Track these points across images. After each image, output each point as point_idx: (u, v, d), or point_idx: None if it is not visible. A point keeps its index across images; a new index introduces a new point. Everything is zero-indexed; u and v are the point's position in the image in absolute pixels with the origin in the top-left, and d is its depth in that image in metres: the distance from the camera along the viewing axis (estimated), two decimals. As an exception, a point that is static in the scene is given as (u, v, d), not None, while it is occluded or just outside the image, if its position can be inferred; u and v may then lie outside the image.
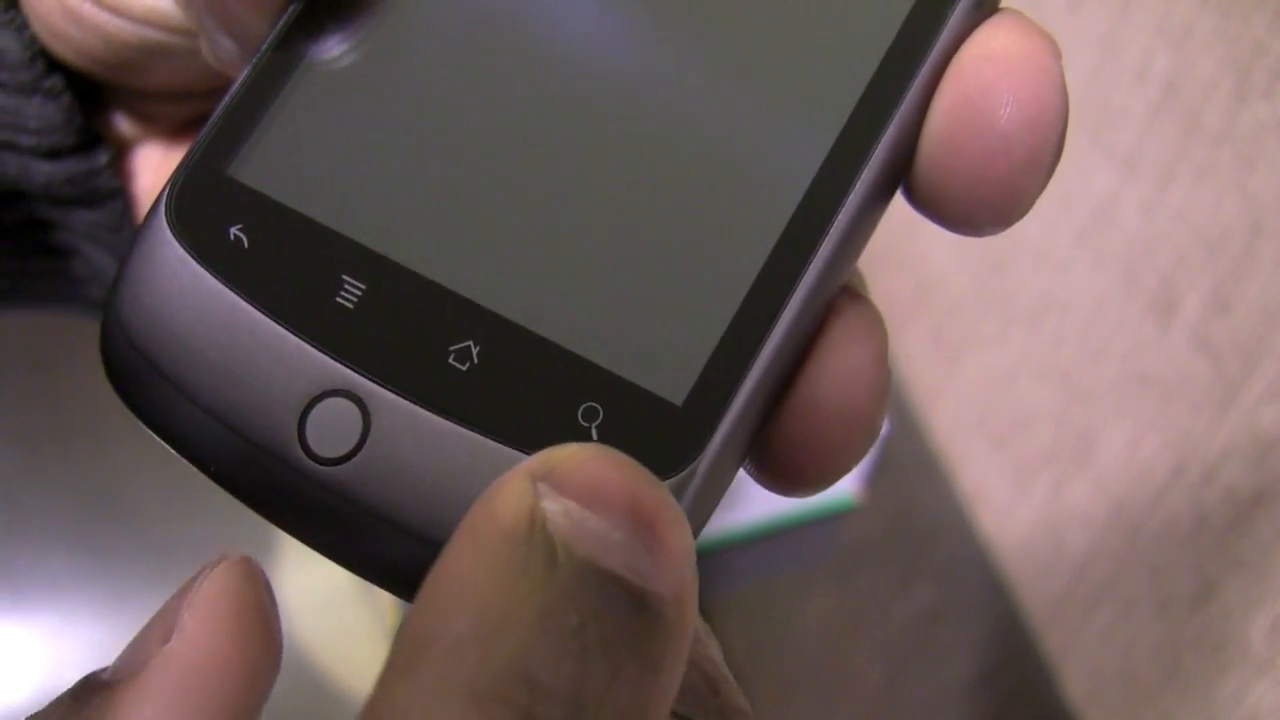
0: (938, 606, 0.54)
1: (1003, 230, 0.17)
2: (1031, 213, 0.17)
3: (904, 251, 0.55)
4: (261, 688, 0.15)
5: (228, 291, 0.17)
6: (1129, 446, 0.45)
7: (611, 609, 0.13)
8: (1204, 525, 0.42)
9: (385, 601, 0.52)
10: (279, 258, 0.18)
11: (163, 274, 0.18)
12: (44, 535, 0.55)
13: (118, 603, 0.54)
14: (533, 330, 0.17)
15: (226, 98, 0.19)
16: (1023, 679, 0.51)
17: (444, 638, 0.12)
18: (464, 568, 0.13)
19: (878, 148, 0.17)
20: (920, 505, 0.56)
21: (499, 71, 0.19)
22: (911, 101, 0.17)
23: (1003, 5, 0.18)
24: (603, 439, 0.16)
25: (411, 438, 0.16)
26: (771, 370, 0.16)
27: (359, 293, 0.17)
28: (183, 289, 0.18)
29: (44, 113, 0.23)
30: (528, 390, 0.17)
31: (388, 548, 0.16)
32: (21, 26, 0.23)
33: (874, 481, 0.55)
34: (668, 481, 0.16)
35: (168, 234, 0.18)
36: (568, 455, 0.13)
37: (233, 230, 0.18)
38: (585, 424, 0.16)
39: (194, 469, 0.18)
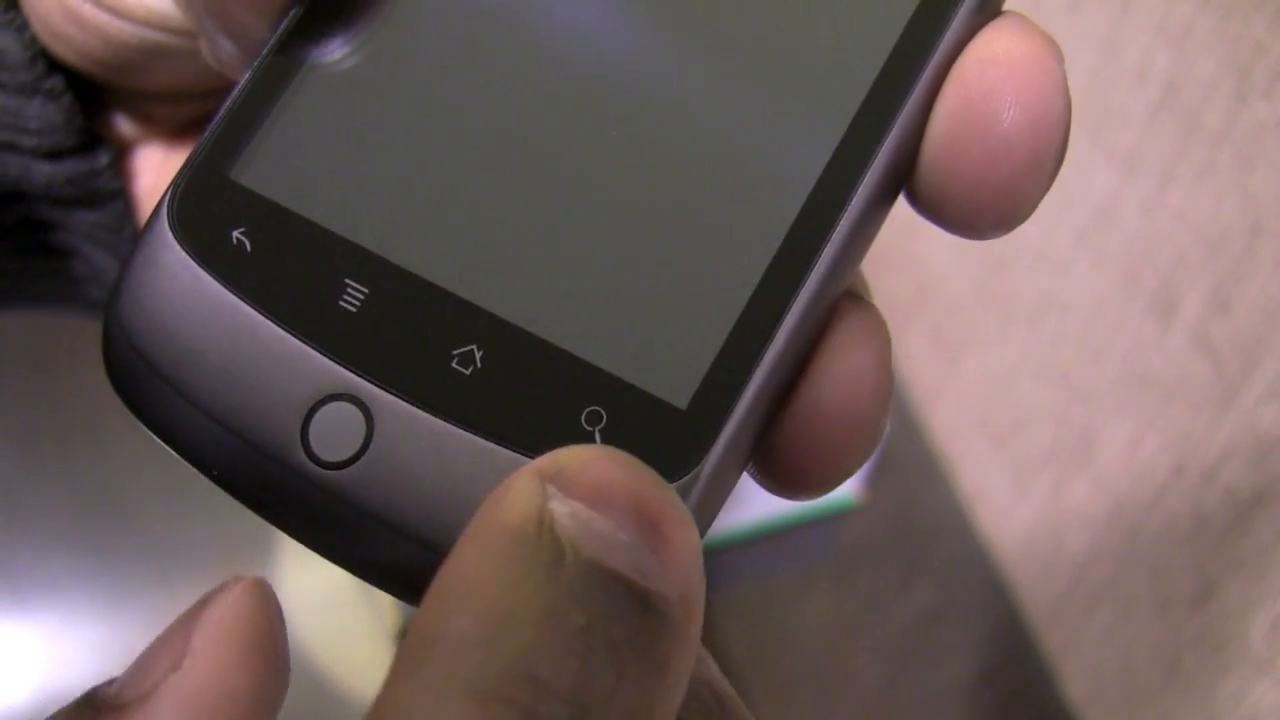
0: (938, 606, 0.54)
1: (1005, 233, 0.17)
2: (1032, 214, 0.17)
3: (904, 252, 0.55)
4: (270, 713, 0.15)
5: (230, 295, 0.17)
6: (1129, 446, 0.45)
7: (617, 609, 0.13)
8: (1204, 525, 0.42)
9: (385, 602, 0.52)
10: (282, 261, 0.18)
11: (165, 277, 0.18)
12: (44, 535, 0.55)
13: (118, 603, 0.54)
14: (536, 334, 0.17)
15: (228, 101, 0.19)
16: (1023, 679, 0.51)
17: (448, 637, 0.12)
18: (470, 568, 0.13)
19: (881, 151, 0.17)
20: (920, 505, 0.56)
21: (501, 74, 0.19)
22: (914, 105, 0.17)
23: (1005, 7, 0.18)
24: (606, 443, 0.16)
25: (414, 441, 0.16)
26: (775, 374, 0.16)
27: (362, 296, 0.17)
28: (185, 292, 0.18)
29: (45, 113, 0.23)
30: (531, 394, 0.17)
31: (390, 551, 0.16)
32: (22, 27, 0.23)
33: (874, 481, 0.55)
34: (672, 485, 0.16)
35: (170, 237, 0.18)
36: (575, 456, 0.13)
37: (235, 234, 0.18)
38: (589, 428, 0.16)
39: (195, 470, 0.18)
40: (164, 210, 0.18)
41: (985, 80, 0.17)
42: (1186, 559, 0.43)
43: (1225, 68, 0.38)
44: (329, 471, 0.17)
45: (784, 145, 0.18)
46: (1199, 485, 0.42)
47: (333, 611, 0.53)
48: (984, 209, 0.17)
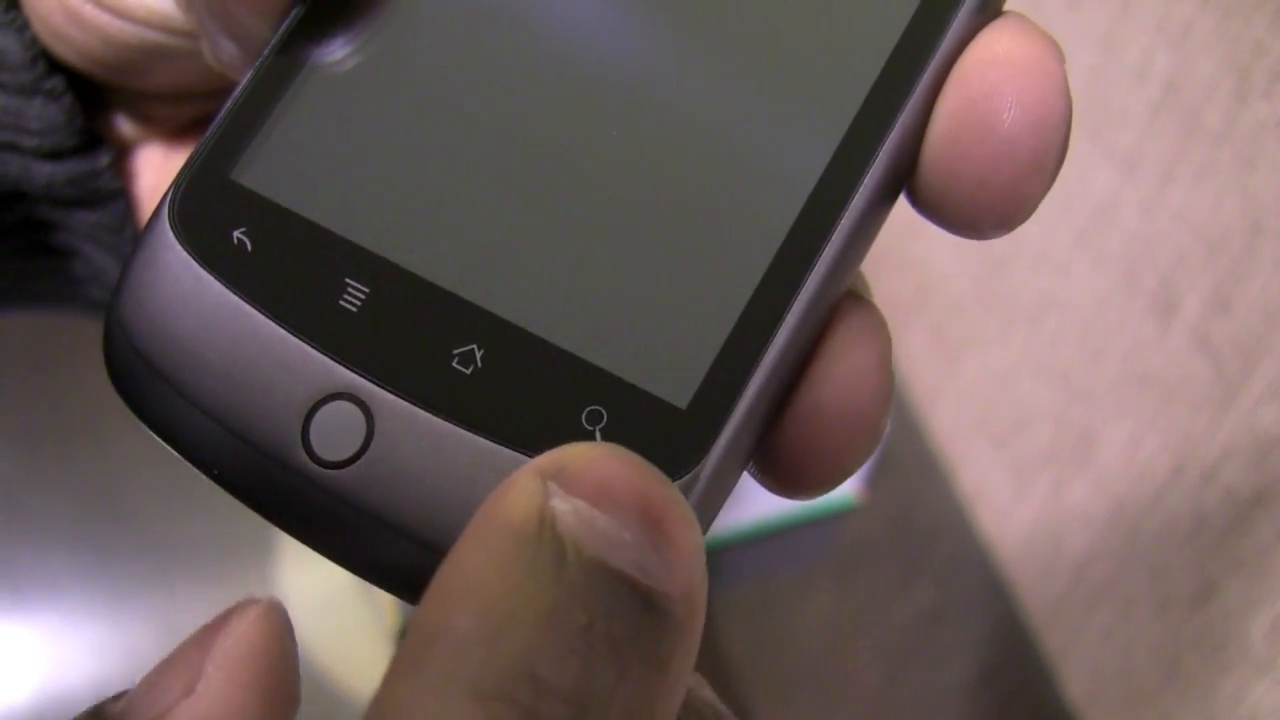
0: (938, 606, 0.54)
1: (1006, 233, 0.17)
2: (1032, 215, 0.17)
3: (904, 252, 0.55)
4: None
5: (231, 295, 0.17)
6: (1129, 446, 0.45)
7: (619, 608, 0.13)
8: (1204, 525, 0.42)
9: (385, 601, 0.52)
10: (282, 261, 0.18)
11: (166, 277, 0.18)
12: (44, 535, 0.55)
13: (118, 603, 0.54)
14: (536, 334, 0.17)
15: (229, 102, 0.19)
16: (1023, 679, 0.51)
17: (449, 635, 0.12)
18: (472, 565, 0.13)
19: (881, 152, 0.17)
20: (920, 505, 0.56)
21: (502, 74, 0.19)
22: (915, 105, 0.17)
23: (1005, 8, 0.18)
24: (607, 442, 0.16)
25: (415, 441, 0.16)
26: (775, 374, 0.16)
27: (362, 296, 0.17)
28: (186, 292, 0.18)
29: (45, 114, 0.23)
30: (531, 394, 0.17)
31: (390, 550, 0.16)
32: (23, 27, 0.23)
33: (874, 481, 0.55)
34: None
35: (171, 237, 0.18)
36: (578, 454, 0.13)
37: (236, 234, 0.18)
38: (589, 427, 0.16)
39: (195, 470, 0.18)
40: (165, 210, 0.18)
41: (986, 81, 0.17)
42: (1186, 559, 0.43)
43: (1225, 68, 0.38)
44: (329, 471, 0.17)
45: (785, 145, 0.18)
46: (1199, 485, 0.42)
47: (333, 611, 0.53)
48: (985, 209, 0.17)
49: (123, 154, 0.25)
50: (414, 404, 0.17)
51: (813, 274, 0.17)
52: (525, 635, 0.12)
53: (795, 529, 0.55)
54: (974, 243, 0.50)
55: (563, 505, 0.13)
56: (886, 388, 0.17)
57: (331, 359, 0.17)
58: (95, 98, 0.24)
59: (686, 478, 0.16)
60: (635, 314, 0.17)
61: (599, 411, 0.16)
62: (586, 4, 0.19)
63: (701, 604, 0.13)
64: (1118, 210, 0.43)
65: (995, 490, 0.53)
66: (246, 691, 0.14)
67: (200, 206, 0.18)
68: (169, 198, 0.18)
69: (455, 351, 0.17)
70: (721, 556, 0.54)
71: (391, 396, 0.17)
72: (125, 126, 0.25)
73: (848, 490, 0.55)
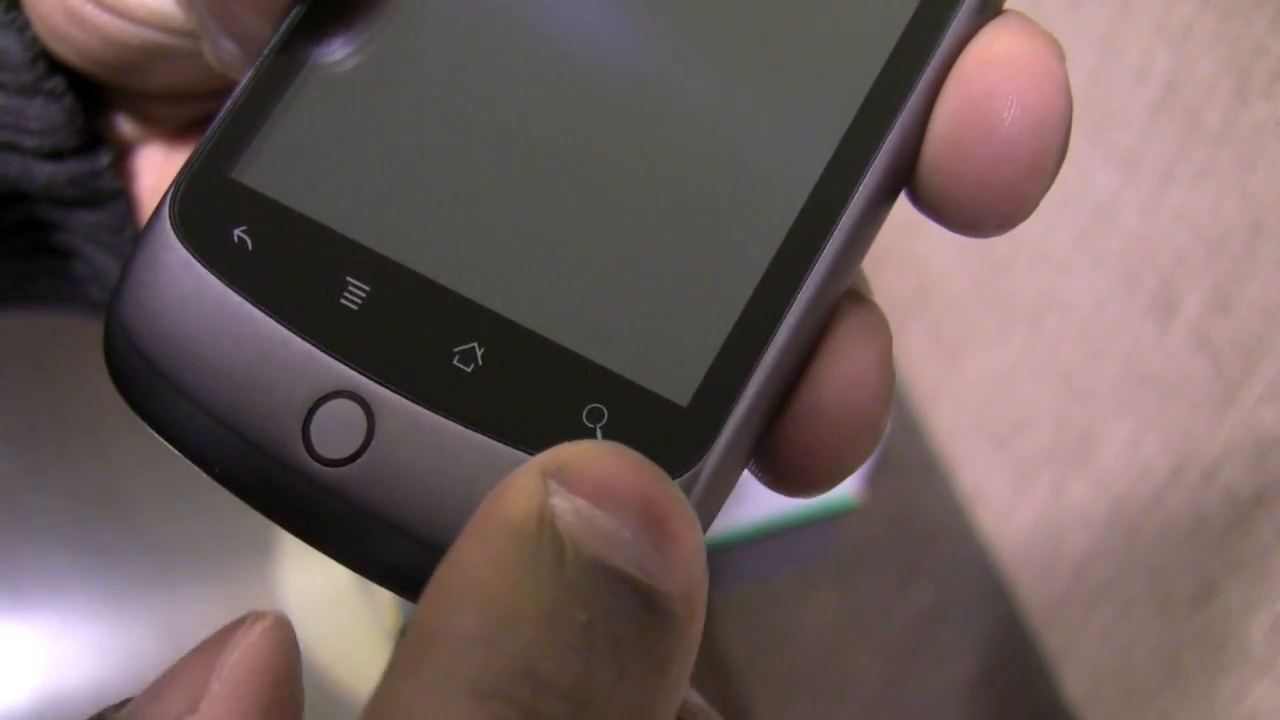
0: (938, 606, 0.54)
1: (1007, 231, 0.17)
2: (1032, 213, 0.17)
3: (904, 252, 0.55)
4: None
5: (231, 293, 0.17)
6: (1129, 446, 0.45)
7: (619, 607, 0.13)
8: (1204, 525, 0.42)
9: (385, 601, 0.52)
10: (283, 260, 0.18)
11: (166, 276, 0.18)
12: (44, 535, 0.55)
13: (118, 603, 0.54)
14: (537, 331, 0.17)
15: (230, 101, 0.19)
16: (1023, 679, 0.51)
17: (449, 635, 0.12)
18: (472, 564, 0.13)
19: (882, 150, 0.17)
20: (920, 505, 0.56)
21: (502, 73, 0.19)
22: (915, 104, 0.17)
23: (1005, 7, 0.18)
24: (608, 440, 0.16)
25: (416, 439, 0.16)
26: (776, 372, 0.16)
27: (363, 294, 0.17)
28: (186, 291, 0.18)
29: (46, 114, 0.23)
30: (532, 392, 0.17)
31: (392, 549, 0.16)
32: (23, 27, 0.23)
33: (874, 481, 0.55)
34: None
35: (171, 236, 0.18)
36: (579, 452, 0.13)
37: (236, 232, 0.18)
38: (590, 425, 0.16)
39: (195, 469, 0.18)
40: (165, 209, 0.18)
41: (987, 80, 0.17)
42: (1186, 559, 0.43)
43: (1225, 68, 0.38)
44: (330, 469, 0.17)
45: (786, 144, 0.18)
46: (1199, 485, 0.42)
47: (333, 611, 0.53)
48: (986, 208, 0.17)
49: (123, 154, 0.25)
50: (415, 402, 0.17)
51: (813, 272, 0.17)
52: (525, 634, 0.12)
53: (795, 529, 0.55)
54: (974, 243, 0.50)
55: (563, 504, 0.13)
56: (887, 386, 0.17)
57: (332, 357, 0.17)
58: (96, 98, 0.24)
59: (687, 476, 0.16)
60: (636, 312, 0.17)
61: (600, 409, 0.16)
62: (587, 3, 0.19)
63: (702, 603, 0.13)
64: (1118, 210, 0.43)
65: (995, 490, 0.53)
66: (250, 712, 0.14)
67: (201, 205, 0.18)
68: (169, 196, 0.18)
69: (456, 349, 0.17)
70: (721, 556, 0.54)
71: (392, 394, 0.17)
72: (126, 126, 0.25)
73: (848, 490, 0.55)
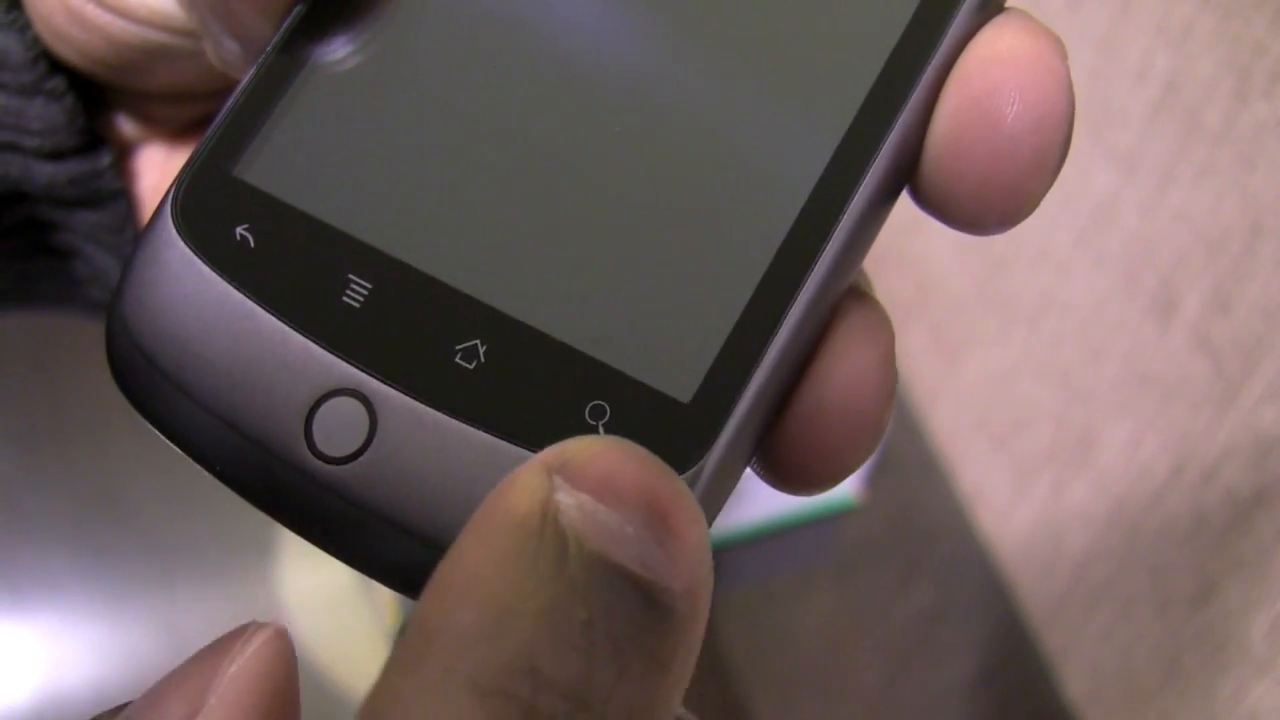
0: (938, 606, 0.54)
1: (1009, 229, 0.17)
2: (1034, 211, 0.17)
3: (904, 251, 0.55)
4: None
5: (233, 291, 0.17)
6: (1129, 446, 0.45)
7: (622, 604, 0.12)
8: (1204, 525, 0.42)
9: (385, 601, 0.52)
10: (285, 257, 0.18)
11: (168, 274, 0.18)
12: (44, 535, 0.55)
13: (118, 603, 0.54)
14: (539, 329, 0.17)
15: (232, 99, 0.19)
16: (1023, 679, 0.51)
17: (449, 630, 0.12)
18: (474, 560, 0.13)
19: (883, 148, 0.17)
20: (920, 505, 0.56)
21: (504, 71, 0.19)
22: (917, 102, 0.17)
23: (1007, 5, 0.18)
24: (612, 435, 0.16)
25: (418, 436, 0.16)
26: (778, 369, 0.16)
27: (365, 292, 0.17)
28: (188, 289, 0.18)
29: (47, 114, 0.23)
30: (534, 389, 0.17)
31: (394, 546, 0.16)
32: (24, 28, 0.23)
33: (874, 481, 0.55)
34: None
35: (173, 234, 0.18)
36: (583, 447, 0.13)
37: (238, 230, 0.18)
38: (592, 422, 0.16)
39: (196, 468, 0.18)
40: (167, 206, 0.18)
41: (989, 78, 0.17)
42: (1186, 559, 0.43)
43: (1225, 68, 0.38)
44: (332, 467, 0.17)
45: (787, 142, 0.18)
46: (1199, 485, 0.42)
47: (333, 611, 0.53)
48: (988, 206, 0.17)
49: (124, 154, 0.25)
50: (417, 400, 0.17)
51: (815, 269, 0.17)
52: (525, 630, 0.12)
53: (795, 529, 0.55)
54: (974, 242, 0.50)
55: (566, 499, 0.13)
56: (889, 384, 0.17)
57: (334, 355, 0.17)
58: (97, 98, 0.24)
59: (690, 473, 0.16)
60: (638, 309, 0.17)
61: (602, 406, 0.16)
62: (588, 2, 0.19)
63: (705, 601, 0.13)
64: (1118, 210, 0.43)
65: (995, 490, 0.53)
66: None
67: (202, 203, 0.18)
68: (171, 194, 0.18)
69: (458, 347, 0.17)
70: (721, 556, 0.54)
71: (394, 392, 0.17)
72: (127, 127, 0.25)
73: (848, 490, 0.55)
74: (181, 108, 0.24)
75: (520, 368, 0.17)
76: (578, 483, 0.13)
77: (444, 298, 0.17)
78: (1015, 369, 0.50)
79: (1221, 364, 0.40)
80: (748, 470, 0.18)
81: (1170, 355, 0.42)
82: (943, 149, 0.17)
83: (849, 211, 0.17)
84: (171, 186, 0.18)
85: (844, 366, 0.17)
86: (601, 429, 0.16)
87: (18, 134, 0.23)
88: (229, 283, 0.18)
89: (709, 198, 0.18)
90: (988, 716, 0.52)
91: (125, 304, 0.18)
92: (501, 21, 0.19)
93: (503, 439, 0.16)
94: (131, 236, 0.25)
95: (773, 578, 0.57)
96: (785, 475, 0.18)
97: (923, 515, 0.56)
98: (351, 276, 0.17)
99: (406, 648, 0.13)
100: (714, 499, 0.16)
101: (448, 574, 0.13)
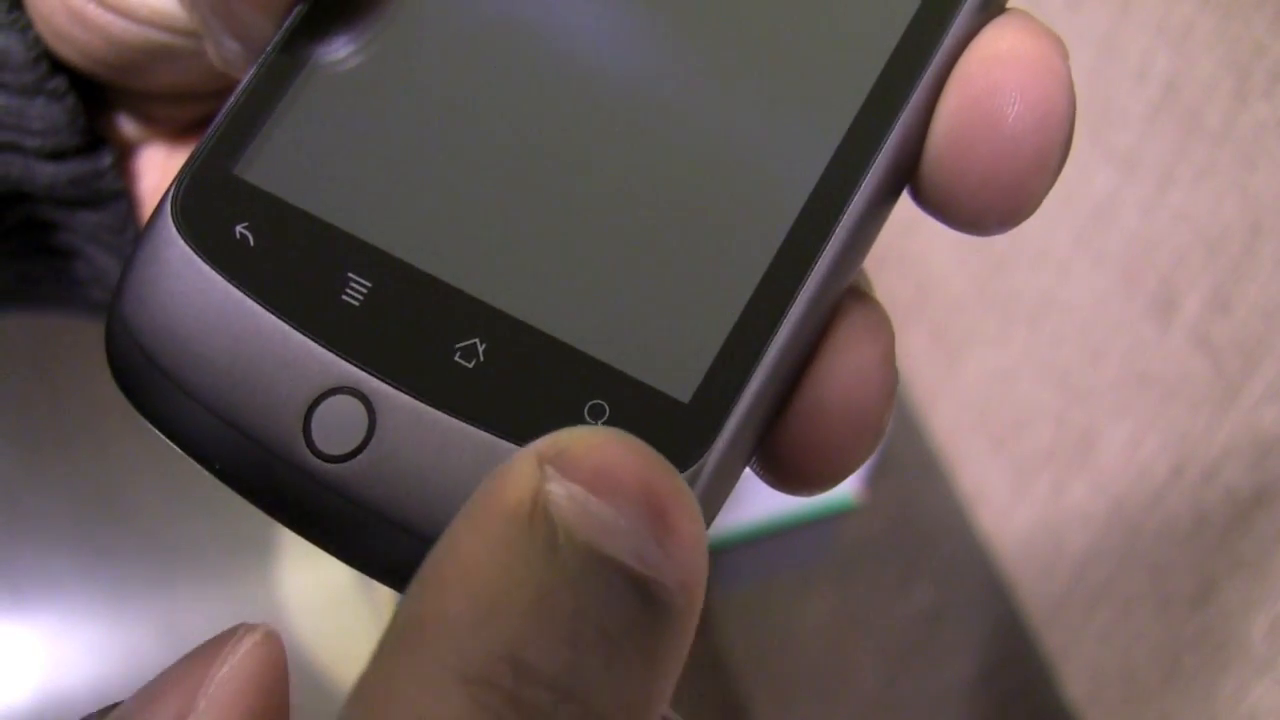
0: (938, 606, 0.54)
1: (1010, 229, 0.17)
2: (1035, 211, 0.17)
3: (904, 251, 0.55)
4: None
5: (233, 290, 0.17)
6: (1129, 446, 0.45)
7: (611, 596, 0.12)
8: (1204, 525, 0.42)
9: (385, 601, 0.52)
10: (285, 256, 0.18)
11: (168, 273, 0.18)
12: (44, 535, 0.55)
13: (118, 603, 0.54)
14: (539, 328, 0.17)
15: (232, 98, 0.19)
16: (1023, 679, 0.51)
17: (438, 619, 0.12)
18: (464, 549, 0.13)
19: (884, 148, 0.17)
20: (920, 505, 0.56)
21: (504, 71, 0.19)
22: (918, 102, 0.17)
23: (1008, 5, 0.18)
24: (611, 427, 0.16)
25: (417, 435, 0.16)
26: (778, 369, 0.16)
27: (364, 290, 0.17)
28: (188, 288, 0.18)
29: (48, 114, 0.23)
30: (533, 387, 0.17)
31: (392, 545, 0.16)
32: (25, 28, 0.23)
33: (874, 481, 0.55)
34: None
35: (173, 232, 0.18)
36: (578, 438, 0.13)
37: (238, 229, 0.18)
38: (591, 421, 0.16)
39: (195, 468, 0.18)
40: (167, 205, 0.18)
41: (990, 78, 0.17)
42: (1186, 559, 0.43)
43: (1225, 68, 0.38)
44: (331, 465, 0.17)
45: (787, 141, 0.18)
46: (1199, 485, 0.42)
47: (333, 611, 0.53)
48: (990, 206, 0.17)
49: (125, 154, 0.25)
50: (416, 398, 0.17)
51: (816, 269, 0.17)
52: (512, 620, 0.12)
53: (795, 529, 0.55)
54: (974, 242, 0.50)
55: (558, 489, 0.13)
56: (890, 384, 0.17)
57: (333, 353, 0.17)
58: (98, 98, 0.24)
59: (689, 473, 0.16)
60: (638, 308, 0.17)
61: (601, 405, 0.16)
62: (589, 3, 0.19)
63: (699, 597, 0.13)
64: (1118, 210, 0.43)
65: (995, 490, 0.53)
66: None
67: (203, 202, 0.18)
68: (171, 193, 0.18)
69: (457, 346, 0.17)
70: (721, 556, 0.54)
71: (393, 391, 0.17)
72: (128, 127, 0.25)
73: (848, 490, 0.55)
74: (182, 108, 0.24)
75: (519, 366, 0.17)
76: (570, 473, 0.13)
77: (443, 296, 0.17)
78: (1015, 369, 0.50)
79: (1221, 364, 0.40)
80: (748, 470, 0.18)
81: (1170, 355, 0.42)
82: (943, 149, 0.17)
83: (849, 211, 0.17)
84: (172, 185, 0.18)
85: (844, 366, 0.17)
86: None
87: (19, 134, 0.23)
88: (229, 281, 0.18)
89: (709, 197, 0.18)
90: (988, 716, 0.52)
91: (125, 303, 0.18)
92: (502, 22, 0.19)
93: (502, 438, 0.16)
94: (132, 237, 0.25)
95: (773, 578, 0.57)
96: (785, 475, 0.18)
97: (923, 515, 0.56)
98: (351, 275, 0.17)
99: (395, 635, 0.13)
100: (713, 499, 0.16)
101: (438, 561, 0.13)
